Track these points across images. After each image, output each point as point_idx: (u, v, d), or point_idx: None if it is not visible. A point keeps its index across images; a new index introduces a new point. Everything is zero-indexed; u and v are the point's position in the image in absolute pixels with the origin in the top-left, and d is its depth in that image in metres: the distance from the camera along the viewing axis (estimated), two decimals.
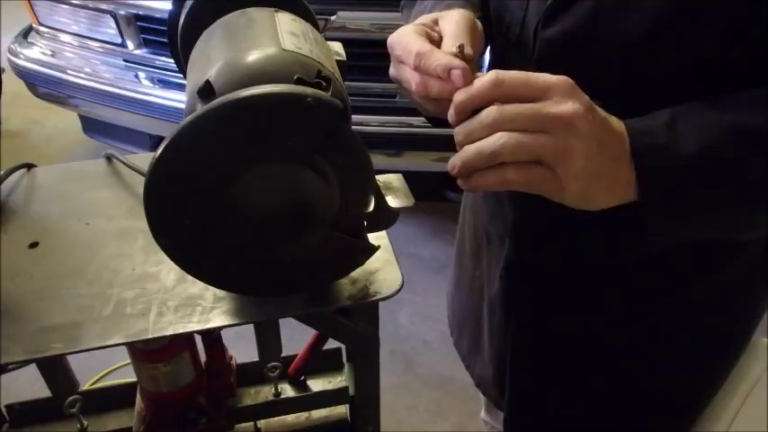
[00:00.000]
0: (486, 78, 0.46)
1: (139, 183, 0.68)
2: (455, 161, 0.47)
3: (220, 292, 0.56)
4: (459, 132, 0.47)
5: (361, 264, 0.53)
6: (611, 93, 0.50)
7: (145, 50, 2.04)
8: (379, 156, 1.87)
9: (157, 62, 2.03)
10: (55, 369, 0.58)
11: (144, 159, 0.74)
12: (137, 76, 2.06)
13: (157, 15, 1.91)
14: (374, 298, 0.56)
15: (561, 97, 0.45)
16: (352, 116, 0.55)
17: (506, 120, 0.45)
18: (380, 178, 0.58)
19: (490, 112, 0.45)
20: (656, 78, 0.54)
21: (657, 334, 0.68)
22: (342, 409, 0.82)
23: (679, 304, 0.66)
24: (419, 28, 0.55)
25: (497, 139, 0.44)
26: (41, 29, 2.18)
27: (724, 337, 0.72)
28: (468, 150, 0.46)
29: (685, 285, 0.65)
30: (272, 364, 0.74)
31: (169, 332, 0.53)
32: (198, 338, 0.66)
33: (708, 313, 0.68)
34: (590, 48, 0.54)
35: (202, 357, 0.71)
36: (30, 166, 0.74)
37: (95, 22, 2.05)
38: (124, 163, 0.73)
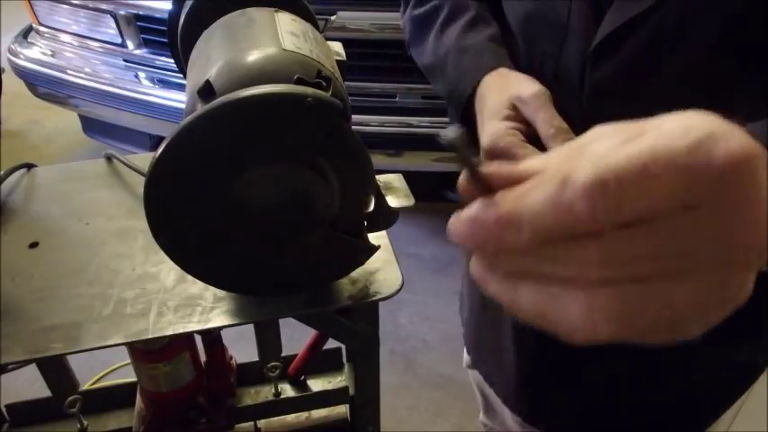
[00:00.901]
0: (594, 191, 0.22)
1: (139, 183, 0.68)
2: (486, 286, 0.27)
3: (220, 292, 0.56)
4: (511, 264, 0.26)
5: (362, 264, 0.53)
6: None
7: (145, 50, 2.04)
8: (379, 156, 1.87)
9: (157, 62, 2.03)
10: (55, 369, 0.58)
11: (144, 159, 0.74)
12: (137, 76, 2.06)
13: (157, 15, 1.91)
14: (374, 298, 0.56)
15: (736, 193, 0.22)
16: (352, 116, 0.55)
17: (621, 263, 0.23)
18: (380, 178, 0.58)
19: (587, 253, 0.23)
20: (721, 95, 0.52)
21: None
22: (342, 409, 0.82)
23: None
24: (513, 130, 0.53)
25: (594, 312, 0.23)
26: (41, 29, 2.18)
27: (741, 346, 0.71)
28: (525, 299, 0.25)
29: None
30: (272, 364, 0.74)
31: (169, 332, 0.53)
32: (198, 338, 0.66)
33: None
34: (649, 80, 0.53)
35: (202, 357, 0.71)
36: (30, 166, 0.74)
37: (95, 22, 2.05)
38: (124, 163, 0.73)
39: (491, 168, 0.26)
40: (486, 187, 0.26)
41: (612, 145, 0.23)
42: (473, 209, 0.25)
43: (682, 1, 0.50)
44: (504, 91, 0.56)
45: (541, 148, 0.53)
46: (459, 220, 0.25)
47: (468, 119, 0.63)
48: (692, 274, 0.23)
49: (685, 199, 0.22)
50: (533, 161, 0.26)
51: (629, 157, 0.22)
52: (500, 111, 0.55)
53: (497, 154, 0.54)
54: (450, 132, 0.25)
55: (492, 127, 0.55)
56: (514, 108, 0.55)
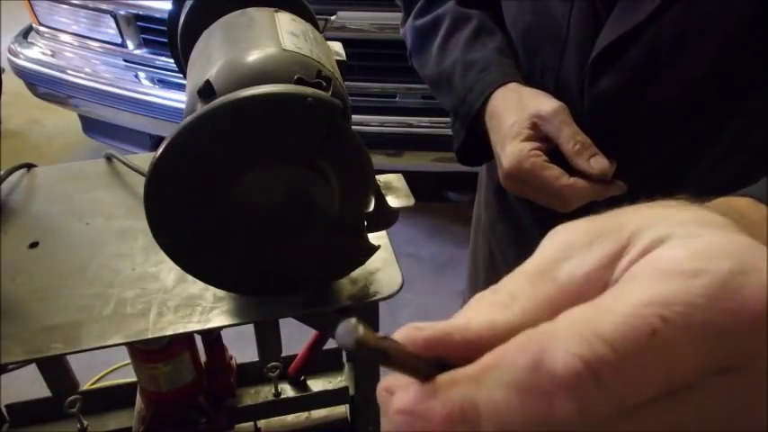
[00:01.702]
0: (582, 382, 0.16)
1: (139, 183, 0.68)
2: None
3: (220, 292, 0.56)
4: None
5: (362, 264, 0.53)
6: (669, 131, 0.48)
7: (145, 50, 2.04)
8: (379, 156, 1.87)
9: (157, 62, 2.03)
10: (55, 369, 0.58)
11: (144, 159, 0.74)
12: (137, 76, 2.06)
13: (157, 15, 1.91)
14: (374, 298, 0.56)
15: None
16: (352, 116, 0.55)
17: None
18: (380, 178, 0.58)
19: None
20: (721, 112, 0.52)
21: None
22: (342, 409, 0.82)
23: None
24: (536, 150, 0.53)
25: None
26: (41, 29, 2.18)
27: None
28: None
29: None
30: (272, 364, 0.74)
31: (169, 332, 0.53)
32: (198, 338, 0.66)
33: None
34: (648, 95, 0.53)
35: (202, 357, 0.71)
36: (30, 166, 0.74)
37: (95, 22, 2.05)
38: (124, 163, 0.73)
39: (427, 333, 0.18)
40: (422, 370, 0.18)
41: (590, 275, 0.18)
42: (409, 397, 0.18)
43: (678, 16, 0.50)
44: (523, 109, 0.56)
45: (563, 165, 0.53)
46: (393, 410, 0.18)
47: (474, 133, 0.63)
48: None
49: (713, 365, 0.16)
50: (492, 316, 0.19)
51: (626, 321, 0.16)
52: (520, 131, 0.55)
53: (522, 176, 0.54)
54: (349, 328, 0.17)
55: (514, 148, 0.54)
56: (534, 126, 0.55)
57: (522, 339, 0.17)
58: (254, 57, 0.47)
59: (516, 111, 0.56)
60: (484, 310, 0.19)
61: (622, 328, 0.15)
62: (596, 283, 0.19)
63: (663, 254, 0.17)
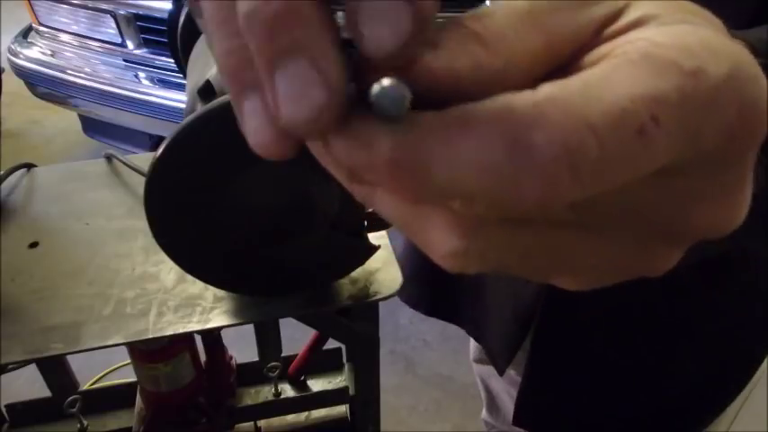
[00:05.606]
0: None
1: (139, 183, 0.68)
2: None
3: (220, 292, 0.56)
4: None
5: (362, 264, 0.53)
6: None
7: (145, 50, 2.04)
8: None
9: (157, 62, 2.03)
10: (55, 369, 0.58)
11: (144, 159, 0.74)
12: (137, 76, 2.06)
13: (157, 15, 1.91)
14: (374, 298, 0.56)
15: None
16: None
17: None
18: None
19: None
20: None
21: (678, 333, 0.68)
22: (342, 409, 0.82)
23: (700, 305, 0.66)
24: None
25: (469, 254, 0.17)
26: (41, 29, 2.18)
27: (745, 340, 0.71)
28: (386, 210, 0.19)
29: (707, 287, 0.64)
30: (272, 364, 0.73)
31: (169, 332, 0.53)
32: (198, 338, 0.66)
33: (729, 315, 0.67)
34: None
35: (202, 357, 0.71)
36: (30, 166, 0.74)
37: (95, 22, 2.05)
38: (124, 163, 0.73)
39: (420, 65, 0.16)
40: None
41: (580, 35, 0.17)
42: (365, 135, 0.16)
43: None
44: None
45: None
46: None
47: None
48: (620, 236, 0.18)
49: (670, 165, 0.16)
50: (478, 55, 0.16)
51: (616, 112, 0.14)
52: None
53: None
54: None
55: None
56: None
57: (501, 109, 0.14)
58: None
59: None
60: (467, 45, 0.16)
61: (610, 120, 0.14)
62: (581, 46, 0.17)
63: (657, 38, 0.16)
